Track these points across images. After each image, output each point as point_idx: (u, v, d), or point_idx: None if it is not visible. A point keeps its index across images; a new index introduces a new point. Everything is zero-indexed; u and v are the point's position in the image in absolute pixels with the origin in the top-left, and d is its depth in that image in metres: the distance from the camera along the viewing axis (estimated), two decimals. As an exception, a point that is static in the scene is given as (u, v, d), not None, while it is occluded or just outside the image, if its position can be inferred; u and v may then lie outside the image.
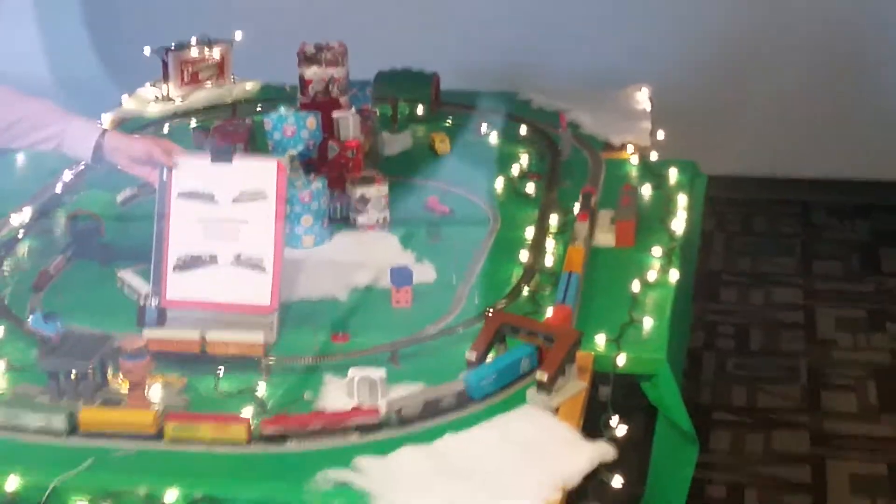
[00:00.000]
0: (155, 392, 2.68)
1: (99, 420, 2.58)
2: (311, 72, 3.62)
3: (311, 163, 3.49)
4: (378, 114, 3.97)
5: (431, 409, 2.65)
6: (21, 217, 3.55)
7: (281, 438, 2.57)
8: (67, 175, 3.78)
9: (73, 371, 2.65)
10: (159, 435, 2.57)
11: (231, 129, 3.71)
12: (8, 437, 2.59)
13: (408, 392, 2.69)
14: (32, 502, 2.45)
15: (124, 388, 2.67)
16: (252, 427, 2.57)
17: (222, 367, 2.80)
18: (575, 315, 3.03)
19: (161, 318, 2.96)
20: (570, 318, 2.99)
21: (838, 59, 5.69)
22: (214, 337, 2.81)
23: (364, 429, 2.59)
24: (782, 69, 5.75)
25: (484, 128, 4.18)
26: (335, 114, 3.58)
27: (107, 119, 4.29)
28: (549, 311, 2.99)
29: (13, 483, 2.45)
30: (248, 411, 2.65)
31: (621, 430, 2.73)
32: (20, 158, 4.06)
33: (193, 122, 4.22)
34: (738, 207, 5.78)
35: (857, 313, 4.94)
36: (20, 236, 3.46)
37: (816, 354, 4.67)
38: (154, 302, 2.98)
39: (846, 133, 5.79)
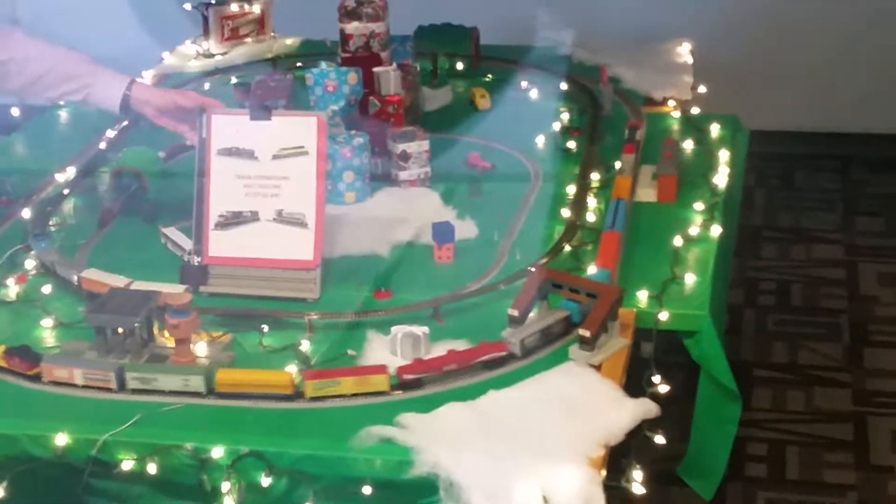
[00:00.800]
0: (201, 348, 2.70)
1: (235, 381, 2.59)
2: (352, 27, 3.61)
3: (353, 118, 3.49)
4: (419, 69, 3.96)
5: (548, 338, 2.71)
6: (66, 174, 3.57)
7: (417, 383, 2.60)
8: (111, 132, 3.79)
9: (120, 327, 2.67)
10: (298, 394, 2.58)
11: (273, 85, 3.71)
12: (57, 392, 2.62)
13: (451, 347, 2.69)
14: (82, 457, 2.48)
15: (170, 343, 2.69)
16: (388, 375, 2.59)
17: (266, 325, 2.81)
18: (622, 243, 3.05)
19: (203, 276, 2.98)
20: (619, 242, 3.05)
21: (879, 12, 5.62)
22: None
23: (492, 365, 2.64)
24: (822, 23, 5.69)
25: (524, 83, 4.16)
26: (376, 69, 3.57)
27: (148, 76, 4.30)
28: (592, 269, 2.99)
29: (63, 438, 2.48)
30: (292, 367, 2.66)
31: (664, 388, 2.73)
32: (63, 115, 4.09)
33: (234, 79, 4.22)
34: (779, 162, 5.74)
35: (900, 269, 4.91)
36: (66, 193, 3.49)
37: (858, 311, 4.64)
38: (196, 259, 3.00)
39: (887, 87, 5.73)
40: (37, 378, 2.65)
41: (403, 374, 2.60)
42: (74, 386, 2.62)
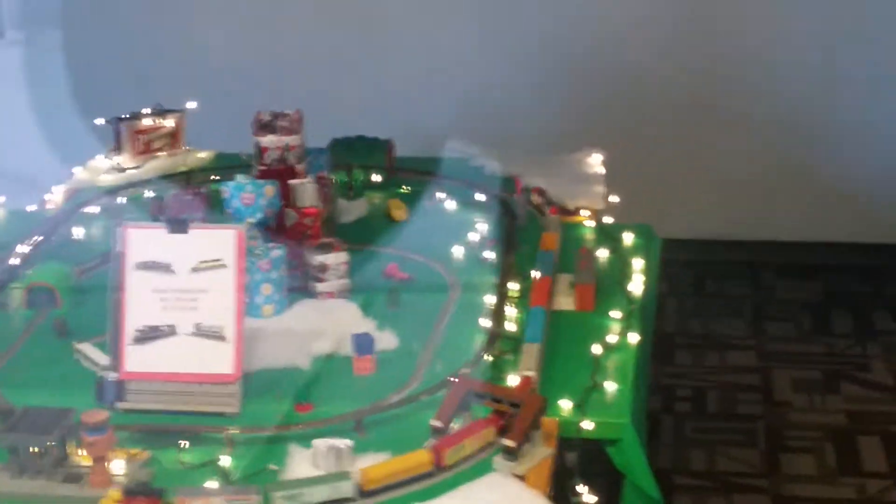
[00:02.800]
0: (117, 465, 2.63)
1: (381, 475, 2.59)
2: (268, 140, 3.62)
3: (270, 231, 3.48)
4: (335, 181, 3.97)
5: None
6: (-25, 290, 3.50)
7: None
8: (23, 247, 3.72)
9: (33, 446, 2.59)
10: (440, 468, 2.64)
11: (188, 198, 3.69)
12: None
13: (375, 459, 2.66)
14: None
15: (86, 461, 2.63)
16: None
17: (185, 441, 2.75)
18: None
19: (121, 392, 2.92)
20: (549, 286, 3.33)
21: (787, 123, 5.77)
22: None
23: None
24: (731, 134, 5.82)
25: (440, 194, 4.19)
26: (292, 182, 3.58)
27: (59, 190, 4.26)
28: (513, 378, 2.99)
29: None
30: (212, 483, 2.61)
31: (590, 498, 2.72)
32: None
33: (148, 193, 4.19)
34: (690, 269, 5.82)
35: (812, 374, 4.97)
36: (-25, 311, 3.42)
37: (773, 416, 4.68)
38: (113, 375, 2.94)
39: (794, 196, 5.85)
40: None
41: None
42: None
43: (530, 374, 3.02)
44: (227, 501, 2.51)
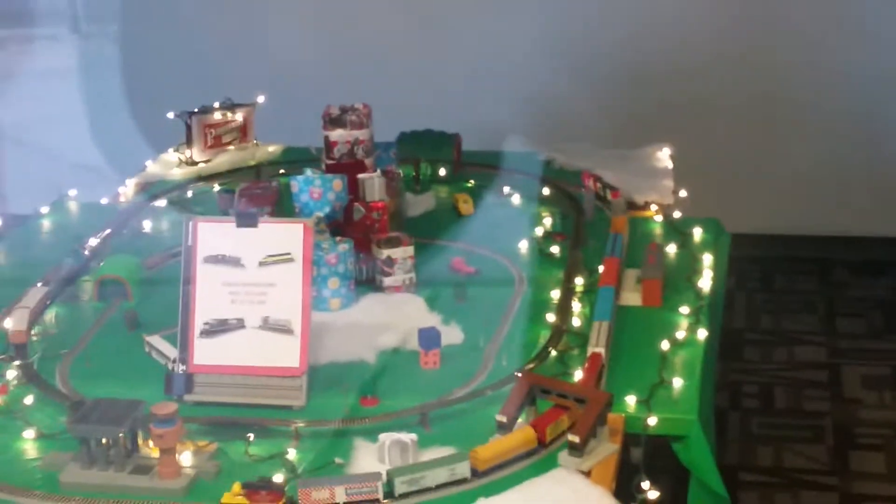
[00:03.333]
0: (186, 458, 2.66)
1: (493, 455, 2.63)
2: (337, 134, 3.64)
3: (338, 225, 3.50)
4: (402, 175, 3.98)
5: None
6: (49, 283, 3.55)
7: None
8: (93, 241, 3.77)
9: (104, 437, 2.63)
10: (543, 443, 2.70)
11: (258, 192, 3.73)
12: None
13: (440, 453, 2.67)
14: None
15: (155, 453, 2.66)
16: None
17: (252, 434, 2.78)
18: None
19: (189, 385, 2.95)
20: (618, 267, 3.41)
21: (858, 117, 5.70)
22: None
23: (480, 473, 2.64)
24: (801, 127, 5.76)
25: (507, 188, 4.19)
26: (361, 176, 3.59)
27: (131, 183, 4.31)
28: (579, 373, 2.98)
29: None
30: (279, 476, 2.63)
31: (653, 494, 2.71)
32: (45, 224, 4.09)
33: (217, 186, 4.23)
34: (759, 265, 5.77)
35: (882, 371, 4.91)
36: (48, 303, 3.46)
37: (842, 413, 4.63)
38: (182, 367, 2.97)
39: (866, 189, 5.78)
40: (289, 507, 2.56)
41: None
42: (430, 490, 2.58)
43: (599, 350, 3.03)
44: (348, 490, 2.53)
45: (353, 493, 2.53)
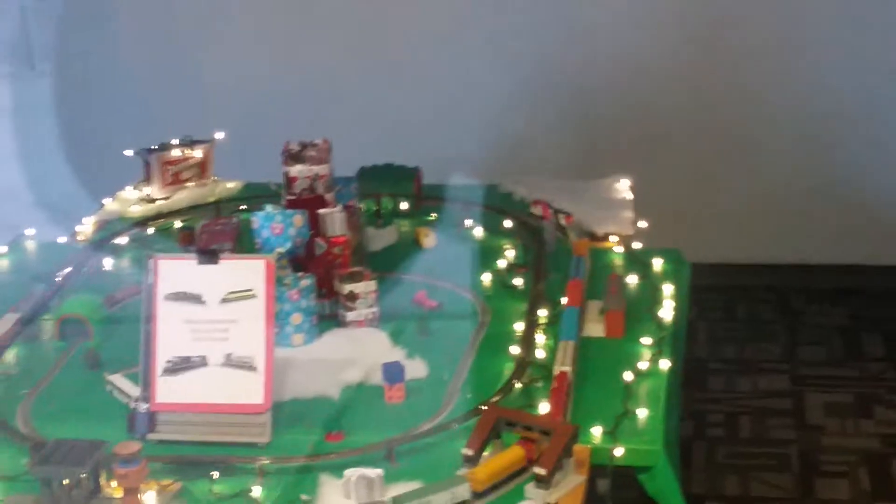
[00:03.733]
0: (150, 498, 2.64)
1: (487, 474, 2.67)
2: (297, 170, 3.63)
3: (299, 260, 3.49)
4: (363, 209, 3.98)
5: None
6: (7, 323, 3.52)
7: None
8: (54, 279, 3.74)
9: (66, 479, 2.60)
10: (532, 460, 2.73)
11: (218, 229, 3.71)
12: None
13: (406, 488, 2.66)
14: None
15: (118, 493, 2.63)
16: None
17: (216, 472, 2.76)
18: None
19: (152, 423, 2.93)
20: (582, 289, 3.47)
21: (814, 145, 5.75)
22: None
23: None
24: (758, 157, 5.80)
25: (468, 221, 4.19)
26: (321, 211, 3.58)
27: (89, 222, 4.28)
28: (545, 406, 2.98)
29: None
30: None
31: (622, 525, 2.71)
32: (3, 263, 4.05)
33: (178, 223, 4.21)
34: (720, 294, 5.79)
35: (844, 398, 4.94)
36: (8, 343, 3.43)
37: (807, 441, 4.65)
38: (144, 406, 2.95)
39: (822, 218, 5.83)
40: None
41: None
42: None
43: (566, 369, 3.07)
44: None
45: None
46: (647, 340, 3.35)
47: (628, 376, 3.16)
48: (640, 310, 3.53)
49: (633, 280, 3.74)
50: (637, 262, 3.87)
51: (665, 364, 3.25)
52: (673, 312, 3.53)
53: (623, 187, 4.49)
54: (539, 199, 4.19)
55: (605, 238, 4.07)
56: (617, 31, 5.72)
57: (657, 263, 3.84)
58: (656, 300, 3.60)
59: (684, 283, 3.87)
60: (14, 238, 4.21)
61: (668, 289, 3.65)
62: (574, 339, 3.26)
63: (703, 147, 5.81)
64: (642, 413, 3.00)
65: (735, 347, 5.39)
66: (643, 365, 3.23)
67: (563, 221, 3.97)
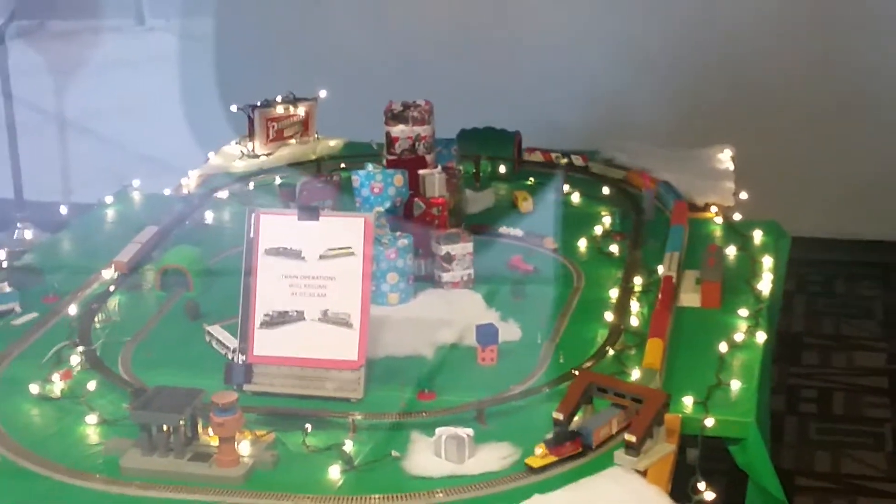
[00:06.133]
0: (244, 447, 2.69)
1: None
2: (398, 130, 3.66)
3: (397, 220, 3.51)
4: (462, 172, 3.99)
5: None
6: (111, 272, 3.60)
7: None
8: (157, 230, 3.82)
9: (165, 424, 2.67)
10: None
11: (319, 186, 3.75)
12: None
13: (496, 451, 2.68)
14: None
15: (214, 441, 2.69)
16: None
17: (309, 425, 2.80)
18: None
19: (248, 375, 2.98)
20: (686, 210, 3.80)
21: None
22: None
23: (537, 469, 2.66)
24: (866, 130, 5.71)
25: (566, 186, 4.19)
26: (421, 172, 3.60)
27: (194, 175, 4.35)
28: (636, 372, 2.98)
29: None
30: (335, 468, 2.65)
31: (710, 495, 2.70)
32: (109, 213, 4.14)
33: (278, 179, 4.27)
34: (819, 269, 5.72)
35: (943, 378, 4.86)
36: (111, 290, 3.51)
37: (902, 420, 4.59)
38: (241, 358, 3.00)
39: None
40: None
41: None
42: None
43: (671, 273, 3.32)
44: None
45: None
46: (743, 312, 3.33)
47: (723, 347, 3.14)
48: (737, 281, 3.51)
49: (731, 251, 3.71)
50: (736, 233, 3.84)
51: (761, 337, 3.22)
52: (770, 285, 3.50)
53: (725, 157, 4.45)
54: (639, 171, 4.17)
55: (705, 208, 4.04)
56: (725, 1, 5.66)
57: (757, 235, 3.81)
58: (754, 272, 3.57)
59: (783, 255, 3.83)
60: (120, 189, 4.29)
61: (766, 261, 3.62)
62: (679, 251, 3.53)
63: (808, 119, 5.73)
64: (735, 385, 2.98)
65: (832, 323, 5.33)
66: (738, 337, 3.20)
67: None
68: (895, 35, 5.56)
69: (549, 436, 2.69)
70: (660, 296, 3.32)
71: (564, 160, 4.37)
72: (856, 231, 5.83)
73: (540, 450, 2.66)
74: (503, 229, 3.82)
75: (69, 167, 6.16)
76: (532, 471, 2.64)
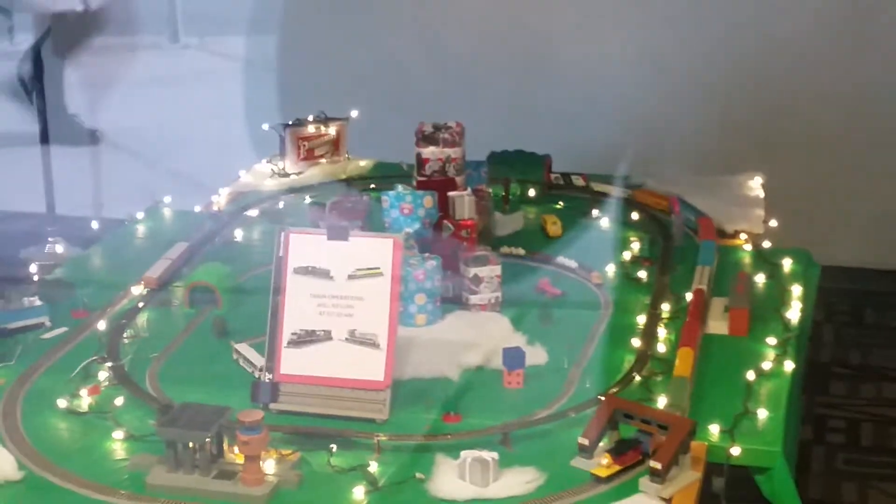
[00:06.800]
0: (269, 465, 2.70)
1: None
2: (429, 151, 3.67)
3: (426, 241, 3.52)
4: (492, 194, 4.00)
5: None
6: (141, 288, 3.62)
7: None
8: (187, 247, 3.83)
9: (191, 441, 2.67)
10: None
11: (348, 206, 3.76)
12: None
13: (521, 475, 2.68)
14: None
15: (239, 459, 2.69)
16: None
17: (335, 445, 2.80)
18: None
19: (275, 393, 2.99)
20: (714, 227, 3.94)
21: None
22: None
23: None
24: (892, 162, 5.69)
25: (595, 211, 4.19)
26: (451, 193, 3.61)
27: (225, 192, 4.37)
28: (662, 399, 2.97)
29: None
30: (359, 489, 2.65)
31: (735, 524, 2.69)
32: (139, 229, 4.16)
33: (308, 198, 4.28)
34: (848, 298, 5.69)
35: (972, 411, 4.82)
36: (140, 306, 3.53)
37: (929, 453, 4.55)
38: (268, 377, 3.01)
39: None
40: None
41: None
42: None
43: (702, 286, 3.43)
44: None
45: None
46: (771, 341, 3.32)
47: (750, 376, 3.13)
48: (766, 309, 3.50)
49: (760, 279, 3.70)
50: (765, 261, 3.83)
51: (789, 365, 3.21)
52: (799, 314, 3.49)
53: (756, 185, 4.44)
54: (675, 197, 4.17)
55: (735, 236, 4.03)
56: (757, 26, 5.64)
57: (786, 263, 3.79)
58: (783, 300, 3.56)
59: (812, 284, 3.82)
60: (151, 205, 4.32)
61: (796, 289, 3.61)
62: (711, 265, 3.63)
63: (839, 148, 5.70)
64: (762, 413, 2.97)
65: (860, 353, 5.29)
66: (766, 365, 3.19)
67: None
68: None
69: (611, 446, 2.75)
70: (690, 307, 3.37)
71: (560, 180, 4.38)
72: (886, 261, 5.79)
73: (606, 460, 2.71)
74: (560, 259, 3.81)
75: (101, 183, 6.20)
76: (600, 480, 2.69)
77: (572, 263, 3.77)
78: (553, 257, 3.80)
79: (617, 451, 2.73)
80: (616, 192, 4.31)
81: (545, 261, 3.79)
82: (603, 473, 2.69)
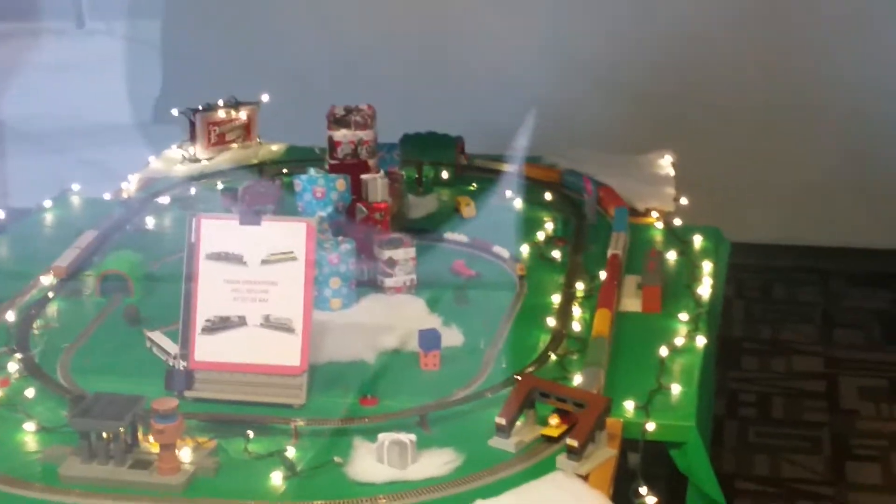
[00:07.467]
0: (185, 454, 2.67)
1: None
2: (341, 134, 3.65)
3: (340, 225, 3.51)
4: (405, 176, 3.99)
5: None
6: (50, 277, 3.56)
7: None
8: (97, 235, 3.78)
9: (105, 432, 2.64)
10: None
11: (261, 191, 3.73)
12: None
13: (439, 457, 2.68)
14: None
15: (155, 448, 2.67)
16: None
17: (251, 431, 2.78)
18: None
19: (190, 381, 2.96)
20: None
21: (860, 128, 5.71)
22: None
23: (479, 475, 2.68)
24: (804, 138, 5.78)
25: (508, 192, 4.20)
26: (364, 176, 3.60)
27: (134, 179, 4.32)
28: (578, 377, 3.00)
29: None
30: (277, 475, 2.64)
31: (651, 500, 2.72)
32: (48, 217, 4.10)
33: (220, 184, 4.25)
34: (758, 274, 5.78)
35: (880, 382, 4.92)
36: (50, 296, 3.47)
37: (839, 424, 4.64)
38: (182, 364, 2.98)
39: (866, 201, 5.80)
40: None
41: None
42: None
43: (618, 252, 3.54)
44: None
45: None
46: (683, 317, 3.36)
47: (663, 352, 3.16)
48: (678, 286, 3.53)
49: (672, 256, 3.74)
50: (677, 238, 3.87)
51: (701, 341, 3.25)
52: (710, 290, 3.53)
53: (666, 163, 4.48)
54: (583, 174, 4.20)
55: (646, 213, 4.07)
56: (664, 6, 5.69)
57: (697, 240, 3.84)
58: (694, 277, 3.59)
59: (723, 261, 3.87)
60: (59, 193, 4.25)
61: (706, 266, 3.65)
62: (625, 231, 3.75)
63: (748, 126, 5.79)
64: (676, 389, 3.01)
65: (771, 328, 5.38)
66: (679, 341, 3.23)
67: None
68: (837, 39, 5.62)
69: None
70: (607, 270, 3.48)
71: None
72: (795, 237, 5.89)
73: (555, 420, 2.75)
74: (448, 235, 3.82)
75: (6, 172, 6.09)
76: (551, 440, 2.73)
77: (505, 253, 3.74)
78: (491, 245, 3.77)
79: (564, 412, 2.76)
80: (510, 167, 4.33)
81: (485, 248, 3.75)
82: (554, 433, 2.73)
